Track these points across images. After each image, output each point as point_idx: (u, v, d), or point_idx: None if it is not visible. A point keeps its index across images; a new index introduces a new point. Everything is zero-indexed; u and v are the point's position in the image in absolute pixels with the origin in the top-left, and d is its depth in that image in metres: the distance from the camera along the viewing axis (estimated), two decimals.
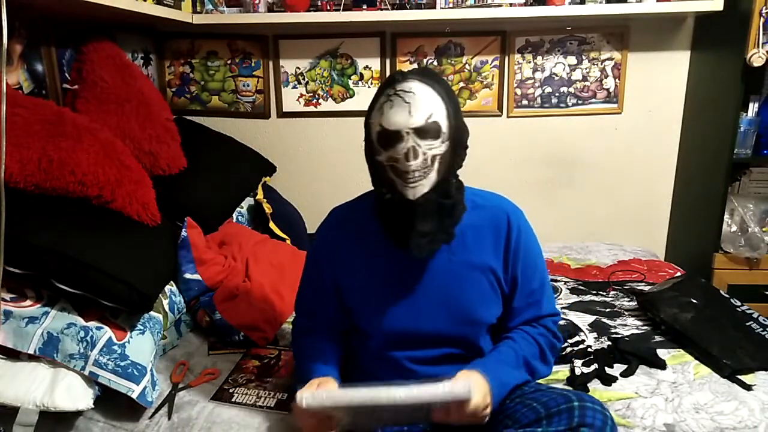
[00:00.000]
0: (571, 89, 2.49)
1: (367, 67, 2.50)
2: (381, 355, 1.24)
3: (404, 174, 1.09)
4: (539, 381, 1.27)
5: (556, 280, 2.08)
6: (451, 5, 2.24)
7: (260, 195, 2.27)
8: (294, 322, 1.40)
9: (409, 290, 1.20)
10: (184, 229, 1.72)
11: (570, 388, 1.38)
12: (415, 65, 2.47)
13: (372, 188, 1.23)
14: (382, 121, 1.09)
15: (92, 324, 1.34)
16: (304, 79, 2.53)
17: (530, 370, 1.22)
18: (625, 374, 1.44)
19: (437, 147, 1.09)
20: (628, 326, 1.70)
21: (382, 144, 1.10)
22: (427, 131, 1.07)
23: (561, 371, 1.44)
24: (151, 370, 1.38)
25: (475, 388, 1.06)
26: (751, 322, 1.61)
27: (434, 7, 2.24)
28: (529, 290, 1.24)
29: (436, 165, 1.10)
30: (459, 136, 1.13)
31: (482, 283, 1.21)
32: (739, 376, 1.41)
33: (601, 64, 2.45)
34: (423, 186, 1.09)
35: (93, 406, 1.28)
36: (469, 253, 1.20)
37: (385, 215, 1.18)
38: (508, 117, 2.53)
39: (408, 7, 2.25)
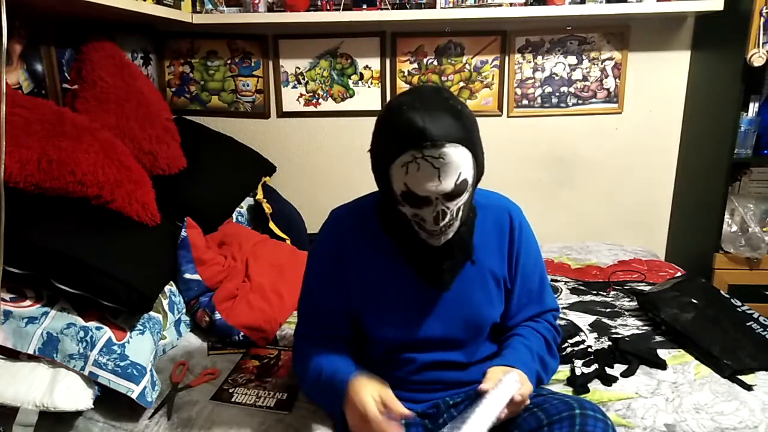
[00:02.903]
0: (572, 89, 2.48)
1: (367, 66, 2.50)
2: (385, 358, 1.23)
3: (431, 230, 1.06)
4: (541, 385, 1.26)
5: (556, 280, 2.08)
6: (451, 5, 2.24)
7: (260, 195, 2.27)
8: (297, 332, 1.29)
9: (417, 295, 1.18)
10: (183, 229, 1.73)
11: (570, 389, 1.38)
12: (416, 64, 2.47)
13: (369, 191, 1.22)
14: (406, 180, 1.00)
15: (92, 324, 1.34)
16: (303, 78, 2.53)
17: (543, 364, 1.22)
18: (625, 374, 1.44)
19: (463, 199, 1.05)
20: (629, 326, 1.70)
21: (406, 201, 1.04)
22: (456, 193, 1.02)
23: (561, 371, 1.43)
24: (151, 370, 1.38)
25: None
26: (752, 322, 1.61)
27: (434, 7, 2.24)
28: (530, 287, 1.25)
29: (461, 213, 1.07)
30: (481, 171, 1.07)
31: (489, 283, 1.21)
32: (739, 377, 1.41)
33: (602, 63, 2.45)
34: (447, 235, 1.08)
35: (93, 406, 1.28)
36: (476, 253, 1.19)
37: (406, 248, 1.15)
38: (508, 117, 2.52)
39: (408, 6, 2.25)
